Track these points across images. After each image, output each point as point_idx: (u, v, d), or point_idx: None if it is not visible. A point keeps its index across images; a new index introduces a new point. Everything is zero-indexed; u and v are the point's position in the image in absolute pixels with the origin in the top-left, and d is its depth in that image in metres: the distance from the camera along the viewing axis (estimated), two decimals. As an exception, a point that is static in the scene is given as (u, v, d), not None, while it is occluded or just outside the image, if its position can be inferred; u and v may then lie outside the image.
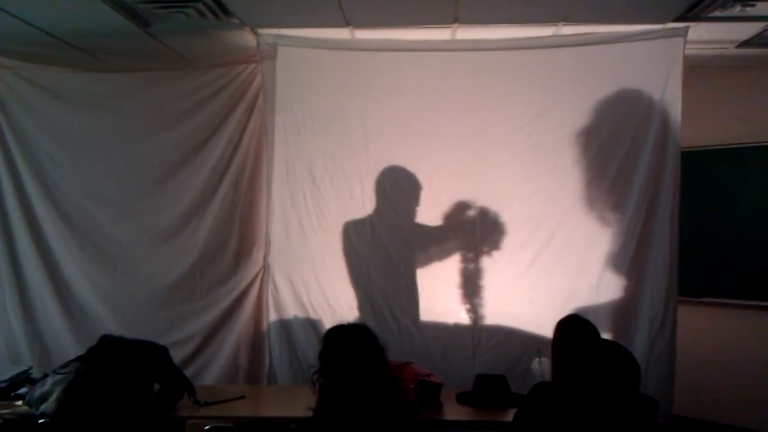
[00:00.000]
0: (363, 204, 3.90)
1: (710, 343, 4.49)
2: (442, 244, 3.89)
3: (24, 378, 3.31)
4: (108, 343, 1.96)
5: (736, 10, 3.41)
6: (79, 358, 3.09)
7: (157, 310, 4.06)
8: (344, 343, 2.32)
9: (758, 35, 3.81)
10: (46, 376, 3.15)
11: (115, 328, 3.73)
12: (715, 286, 4.63)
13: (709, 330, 4.53)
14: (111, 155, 4.17)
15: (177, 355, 3.50)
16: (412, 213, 3.89)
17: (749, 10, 3.42)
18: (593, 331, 2.60)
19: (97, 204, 4.15)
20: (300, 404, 2.39)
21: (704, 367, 4.40)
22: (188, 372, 3.49)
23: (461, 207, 3.86)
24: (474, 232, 3.85)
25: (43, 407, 2.93)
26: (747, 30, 3.76)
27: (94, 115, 4.19)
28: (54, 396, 2.93)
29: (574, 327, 2.63)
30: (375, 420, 2.16)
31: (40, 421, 2.82)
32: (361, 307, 3.87)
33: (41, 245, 4.15)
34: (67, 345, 3.99)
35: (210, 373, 4.00)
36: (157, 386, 2.27)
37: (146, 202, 4.13)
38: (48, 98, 4.19)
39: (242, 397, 3.24)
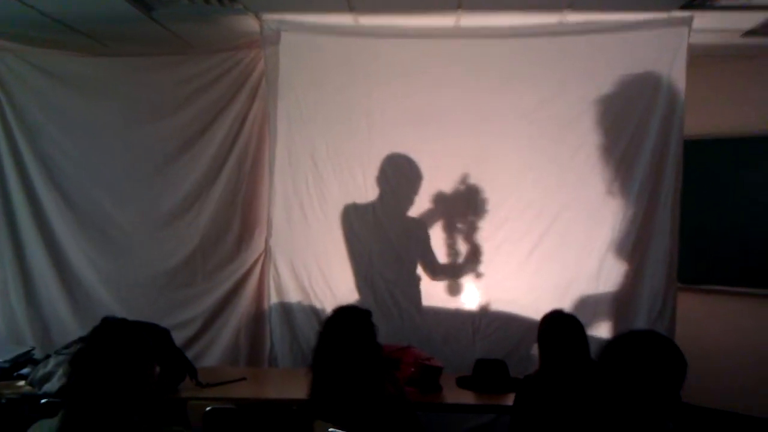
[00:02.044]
0: (365, 190, 3.91)
1: (710, 330, 4.50)
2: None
3: (26, 359, 3.33)
4: (109, 324, 1.97)
5: (742, -3, 3.41)
6: (81, 339, 3.10)
7: (159, 293, 4.08)
8: (333, 327, 2.34)
9: (764, 24, 3.77)
10: (48, 356, 3.17)
11: (117, 311, 3.73)
12: (715, 274, 4.63)
13: (708, 317, 4.54)
14: (114, 140, 4.18)
15: (179, 338, 3.53)
16: (410, 202, 3.90)
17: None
18: (575, 323, 2.64)
19: (100, 188, 4.17)
20: (300, 387, 2.40)
21: (704, 353, 4.38)
22: (190, 354, 3.50)
23: (463, 194, 3.86)
24: (475, 219, 3.86)
25: (46, 387, 2.96)
26: (753, 19, 3.72)
27: (97, 99, 4.19)
28: (57, 375, 2.95)
29: (557, 321, 2.67)
30: (356, 408, 2.18)
31: (42, 401, 2.85)
32: (362, 292, 3.89)
33: (44, 228, 4.17)
34: (70, 327, 4.01)
35: (211, 356, 4.02)
36: (158, 368, 2.28)
37: (149, 186, 4.14)
38: (51, 82, 4.19)
39: (243, 378, 3.27)
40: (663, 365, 1.78)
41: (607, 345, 1.84)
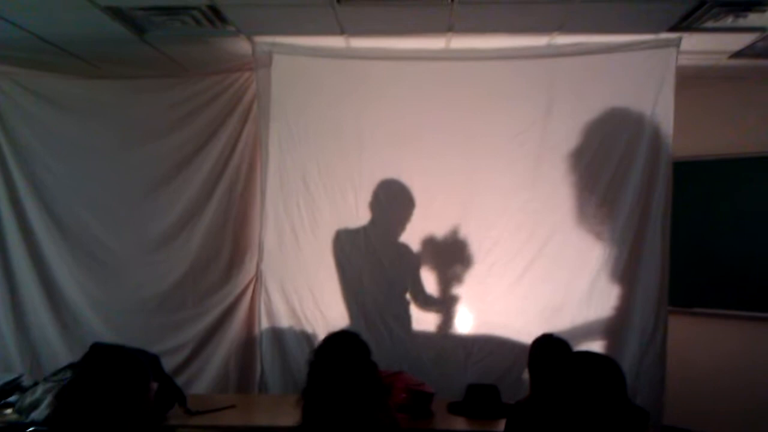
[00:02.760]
0: (357, 213, 3.90)
1: (701, 354, 4.50)
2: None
3: (14, 386, 3.29)
4: (100, 351, 1.95)
5: (729, 20, 3.43)
6: (70, 366, 3.08)
7: (149, 318, 4.05)
8: (328, 354, 2.31)
9: (750, 46, 3.82)
10: (36, 383, 3.13)
11: (106, 336, 3.73)
12: (706, 297, 4.63)
13: (699, 340, 4.54)
14: (106, 162, 4.17)
15: (169, 364, 3.51)
16: (402, 227, 3.90)
17: (741, 21, 3.44)
18: (565, 348, 2.64)
19: (91, 211, 4.16)
20: (290, 413, 2.38)
21: (695, 377, 4.40)
22: (180, 380, 3.48)
23: (454, 216, 3.86)
24: (466, 242, 3.86)
25: (33, 415, 2.92)
26: (739, 41, 3.77)
27: (89, 121, 4.19)
28: (45, 403, 2.92)
29: (546, 345, 2.67)
30: None
31: (29, 429, 2.81)
32: (354, 316, 3.88)
33: (34, 252, 4.15)
34: (59, 353, 3.98)
35: (201, 382, 3.99)
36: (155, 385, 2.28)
37: (140, 209, 4.13)
38: (43, 104, 4.19)
39: (233, 406, 3.24)
40: (604, 378, 1.88)
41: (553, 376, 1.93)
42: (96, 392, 1.82)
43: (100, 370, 1.89)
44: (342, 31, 3.69)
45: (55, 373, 3.12)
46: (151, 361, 3.08)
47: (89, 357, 1.96)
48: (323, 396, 2.20)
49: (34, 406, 2.96)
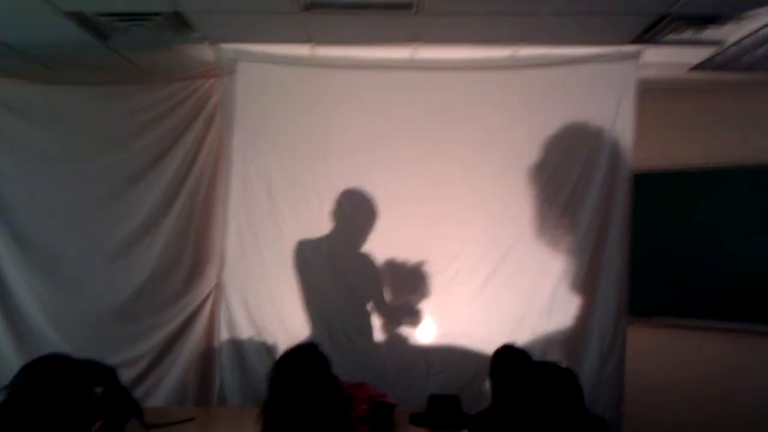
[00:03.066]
0: (321, 222, 3.88)
1: (660, 364, 4.52)
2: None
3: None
4: (32, 366, 1.90)
5: (689, 34, 3.50)
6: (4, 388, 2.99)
7: (107, 328, 3.95)
8: (288, 368, 2.28)
9: (709, 59, 3.89)
10: (-12, 396, 3.04)
11: (62, 346, 3.61)
12: (664, 307, 4.67)
13: (658, 351, 4.56)
14: (65, 169, 4.07)
15: (126, 375, 3.42)
16: (364, 239, 3.88)
17: (700, 35, 3.51)
18: (526, 358, 2.66)
19: (49, 220, 4.05)
20: (250, 426, 2.35)
21: (653, 387, 4.43)
22: (137, 392, 3.41)
23: (418, 224, 3.85)
24: (429, 252, 3.86)
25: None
26: (699, 54, 3.85)
27: (50, 128, 4.09)
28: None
29: (507, 356, 2.68)
30: None
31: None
32: (316, 327, 3.84)
33: (-14, 259, 4.04)
34: (14, 364, 3.81)
35: (159, 394, 3.91)
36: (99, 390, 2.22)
37: (99, 218, 4.03)
38: (3, 110, 4.08)
39: (192, 419, 3.21)
40: (562, 389, 1.89)
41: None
42: (31, 409, 1.77)
43: (34, 386, 1.84)
44: (308, 39, 3.69)
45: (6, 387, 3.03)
46: (107, 372, 3.01)
47: (30, 367, 1.92)
48: (284, 409, 2.17)
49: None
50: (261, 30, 3.61)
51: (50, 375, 1.85)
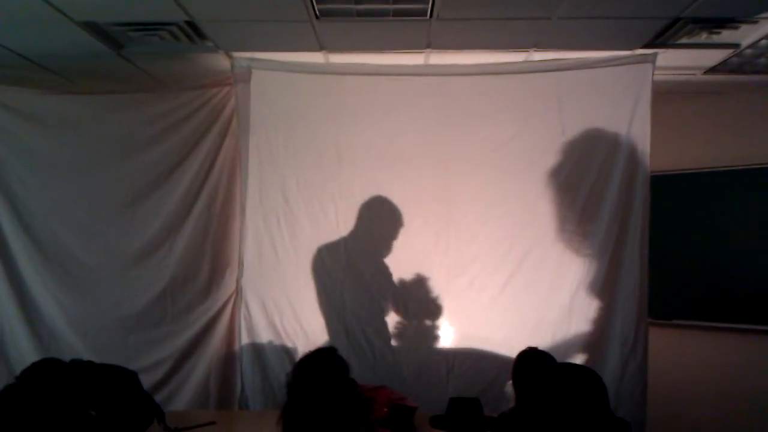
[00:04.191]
0: (337, 227, 3.90)
1: (682, 366, 4.52)
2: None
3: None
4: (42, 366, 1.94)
5: (703, 37, 3.49)
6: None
7: (127, 334, 3.98)
8: (306, 372, 2.29)
9: (724, 62, 3.89)
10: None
11: (83, 353, 3.66)
12: (685, 309, 4.66)
13: (680, 352, 4.56)
14: (82, 178, 4.10)
15: (147, 380, 3.45)
16: (383, 244, 3.90)
17: (715, 38, 3.51)
18: (550, 360, 2.66)
19: (68, 227, 4.08)
20: (271, 430, 2.36)
21: (676, 389, 4.43)
22: (159, 397, 3.43)
23: (434, 229, 3.87)
24: (446, 256, 3.86)
25: None
26: (713, 57, 3.84)
27: (66, 137, 4.12)
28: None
29: (531, 358, 2.69)
30: None
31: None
32: (335, 331, 3.85)
33: (10, 268, 4.06)
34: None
35: (181, 399, 3.93)
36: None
37: (117, 225, 4.06)
38: (19, 120, 4.11)
39: (213, 422, 3.20)
40: (588, 390, 1.88)
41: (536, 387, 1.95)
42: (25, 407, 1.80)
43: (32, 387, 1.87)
44: (321, 47, 3.71)
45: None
46: (129, 377, 3.04)
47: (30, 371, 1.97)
48: (303, 413, 2.19)
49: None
50: (274, 38, 3.63)
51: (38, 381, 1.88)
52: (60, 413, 1.84)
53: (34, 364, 1.96)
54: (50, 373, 1.91)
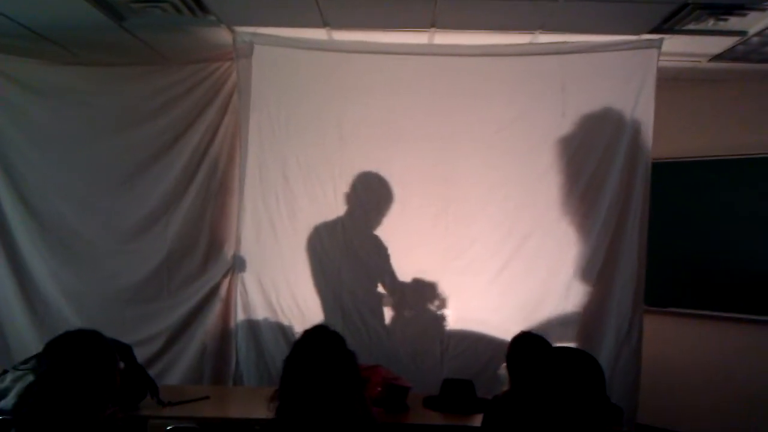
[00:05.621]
0: (336, 206, 3.89)
1: (675, 353, 4.53)
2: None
3: (-17, 375, 3.23)
4: (63, 338, 1.94)
5: (710, 24, 3.46)
6: (39, 355, 3.02)
7: (123, 307, 3.98)
8: (306, 348, 2.29)
9: (730, 49, 3.86)
10: (5, 372, 3.07)
11: (78, 325, 3.60)
12: (681, 297, 4.66)
13: (674, 340, 4.56)
14: (81, 150, 4.09)
15: (142, 354, 3.44)
16: (378, 222, 3.89)
17: (722, 25, 3.47)
18: (544, 344, 2.66)
19: (65, 199, 4.07)
20: (265, 406, 2.36)
21: (669, 376, 4.44)
22: (153, 371, 3.42)
23: (433, 210, 3.86)
24: (445, 238, 3.85)
25: (1, 404, 2.86)
26: (720, 44, 3.81)
27: (66, 108, 4.11)
28: (14, 392, 2.87)
29: (526, 341, 2.68)
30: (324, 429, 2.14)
31: (-2, 418, 2.76)
32: (331, 310, 3.85)
33: (6, 239, 4.07)
34: (29, 341, 3.89)
35: (175, 373, 3.94)
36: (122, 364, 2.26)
37: (115, 198, 4.06)
38: (19, 90, 4.10)
39: (207, 397, 3.20)
40: (584, 373, 1.89)
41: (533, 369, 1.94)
42: (62, 378, 1.80)
43: (65, 354, 1.87)
44: (325, 24, 3.67)
45: (24, 362, 3.06)
46: (123, 350, 3.04)
47: (52, 345, 1.96)
48: (301, 390, 2.18)
49: (3, 395, 2.90)
50: (278, 13, 3.60)
51: (83, 350, 1.89)
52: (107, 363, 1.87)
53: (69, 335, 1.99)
54: (86, 336, 1.94)
